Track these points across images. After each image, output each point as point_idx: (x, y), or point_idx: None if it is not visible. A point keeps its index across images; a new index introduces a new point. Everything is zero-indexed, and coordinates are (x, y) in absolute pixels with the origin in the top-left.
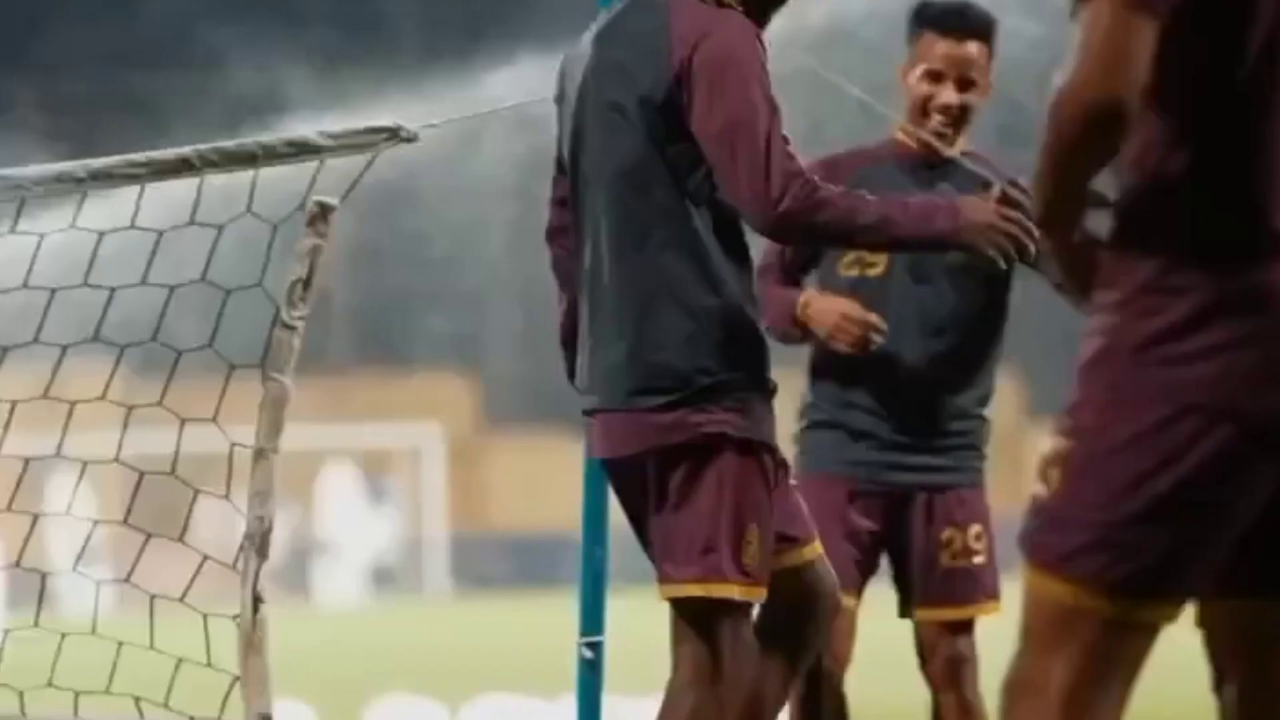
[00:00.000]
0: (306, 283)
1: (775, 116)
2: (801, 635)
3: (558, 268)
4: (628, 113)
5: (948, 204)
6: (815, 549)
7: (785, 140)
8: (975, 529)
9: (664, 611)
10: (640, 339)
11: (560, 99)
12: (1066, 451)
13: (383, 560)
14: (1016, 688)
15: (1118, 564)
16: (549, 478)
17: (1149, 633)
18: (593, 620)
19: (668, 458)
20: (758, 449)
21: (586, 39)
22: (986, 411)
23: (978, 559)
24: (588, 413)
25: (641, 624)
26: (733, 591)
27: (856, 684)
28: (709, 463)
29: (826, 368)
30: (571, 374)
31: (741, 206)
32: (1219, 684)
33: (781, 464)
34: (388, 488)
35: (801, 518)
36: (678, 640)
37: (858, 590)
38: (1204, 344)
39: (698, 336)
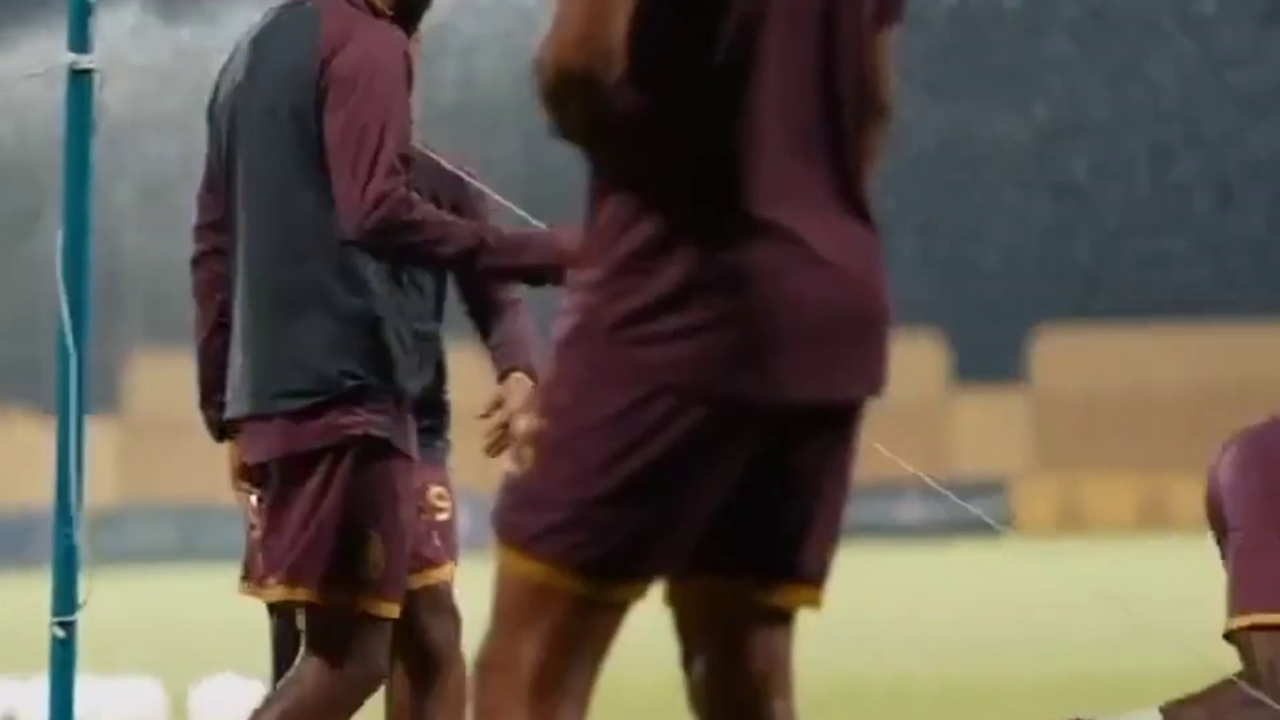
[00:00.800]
0: None
1: (395, 132)
2: (431, 655)
3: (200, 291)
4: (280, 120)
5: (544, 236)
6: (448, 571)
7: (400, 159)
8: (436, 490)
9: (136, 593)
10: (286, 343)
11: (213, 107)
12: (540, 430)
13: None
14: (488, 666)
15: (589, 544)
16: (20, 456)
17: (619, 610)
18: (65, 600)
19: (310, 459)
20: (399, 455)
21: (242, 46)
22: (444, 392)
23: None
24: (236, 420)
25: (115, 605)
26: (343, 601)
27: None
28: (344, 465)
29: None
30: (206, 398)
31: (339, 211)
32: (688, 661)
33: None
34: None
35: (432, 540)
36: (307, 640)
37: None
38: (679, 325)
39: (342, 340)
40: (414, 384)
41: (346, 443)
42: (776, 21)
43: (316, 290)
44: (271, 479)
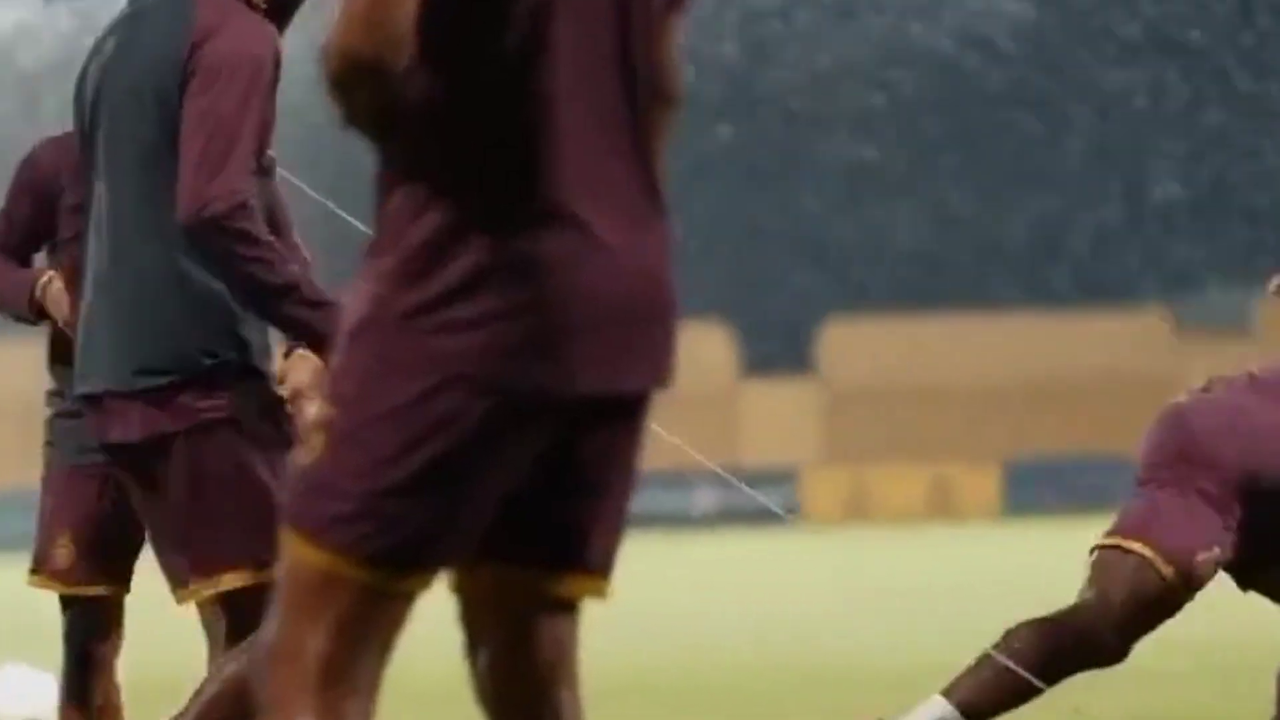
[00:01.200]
0: None
1: (256, 130)
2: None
3: (75, 274)
4: (144, 103)
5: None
6: None
7: (254, 161)
8: None
9: None
10: (146, 321)
11: (81, 86)
12: (329, 419)
13: None
14: (273, 655)
15: (378, 534)
16: None
17: (406, 601)
18: None
19: (174, 441)
20: (265, 435)
21: (112, 28)
22: None
23: None
24: (87, 397)
25: None
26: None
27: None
28: (214, 447)
29: (69, 353)
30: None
31: (179, 193)
32: (472, 651)
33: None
34: None
35: None
36: (234, 630)
37: (125, 577)
38: (471, 314)
39: (201, 320)
40: (268, 365)
41: (210, 424)
42: (568, 9)
43: (176, 271)
44: (137, 463)
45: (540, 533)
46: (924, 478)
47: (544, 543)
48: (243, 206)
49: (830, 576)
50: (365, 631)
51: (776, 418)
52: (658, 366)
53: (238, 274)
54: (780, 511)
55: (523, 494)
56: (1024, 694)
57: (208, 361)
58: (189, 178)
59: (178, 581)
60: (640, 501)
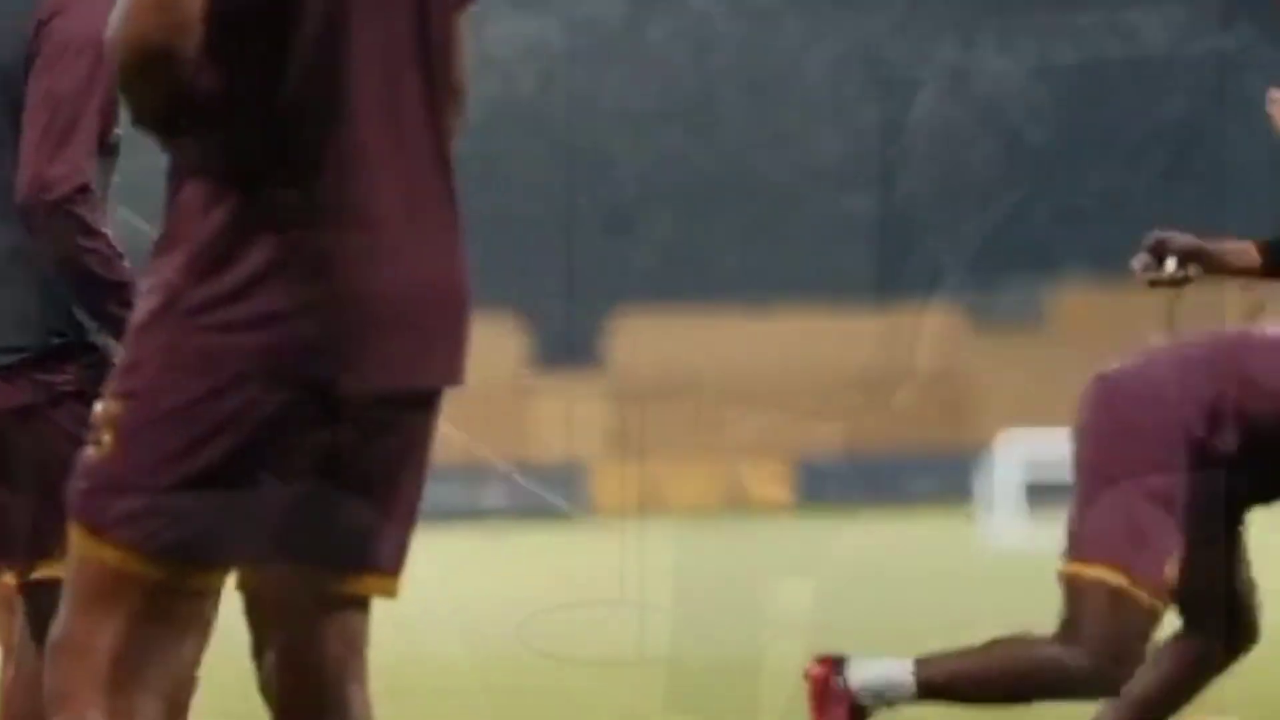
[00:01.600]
0: None
1: (101, 109)
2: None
3: None
4: None
5: None
6: None
7: (97, 145)
8: None
9: None
10: None
11: None
12: (117, 415)
13: None
14: (63, 650)
15: (165, 530)
16: None
17: (197, 598)
18: None
19: (21, 416)
20: None
21: None
22: None
23: None
24: None
25: None
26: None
27: None
28: (61, 422)
29: None
30: None
31: (20, 173)
32: (259, 648)
33: None
34: None
35: None
36: (32, 625)
37: None
38: (259, 311)
39: (48, 299)
40: (103, 341)
41: (59, 399)
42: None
43: (24, 252)
44: None
45: (329, 531)
46: (717, 473)
47: (333, 541)
48: (83, 190)
49: (620, 571)
50: (155, 628)
51: (567, 412)
52: (448, 363)
53: (72, 262)
54: (564, 506)
55: (312, 492)
56: (996, 704)
57: (55, 340)
58: (30, 158)
59: (27, 557)
60: (429, 497)
